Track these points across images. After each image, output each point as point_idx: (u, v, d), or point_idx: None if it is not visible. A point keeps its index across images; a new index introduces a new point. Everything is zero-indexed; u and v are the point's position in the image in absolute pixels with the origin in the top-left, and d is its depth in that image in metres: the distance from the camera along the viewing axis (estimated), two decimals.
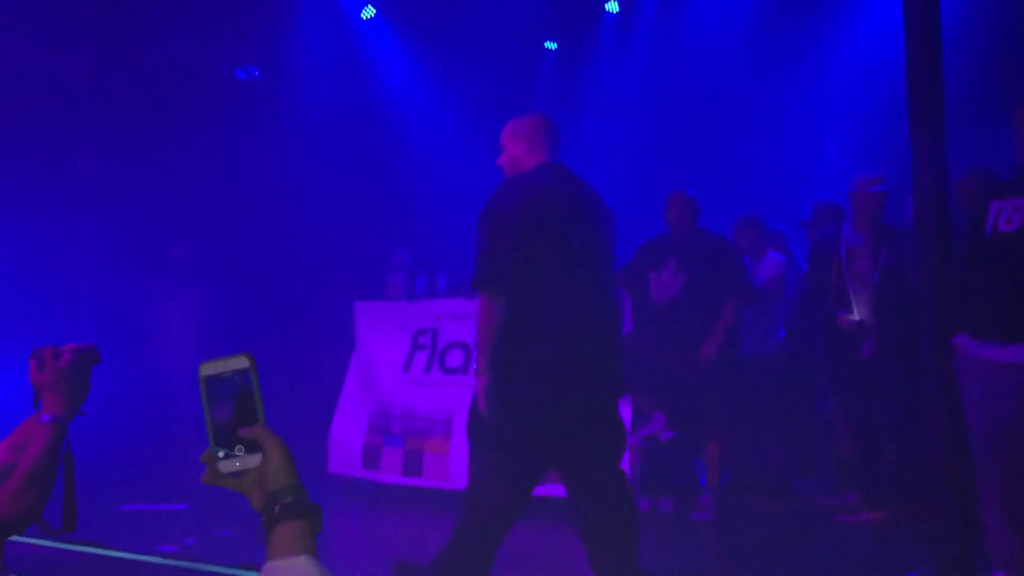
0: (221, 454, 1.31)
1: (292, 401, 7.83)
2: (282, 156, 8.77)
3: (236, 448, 1.32)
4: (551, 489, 5.72)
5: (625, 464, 5.51)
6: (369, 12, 9.50)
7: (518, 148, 3.64)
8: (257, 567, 1.29)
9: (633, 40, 9.70)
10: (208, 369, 1.31)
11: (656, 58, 9.43)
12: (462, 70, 9.32)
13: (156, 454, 7.10)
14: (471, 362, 6.20)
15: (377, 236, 8.49)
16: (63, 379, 2.40)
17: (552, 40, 10.05)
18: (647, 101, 9.17)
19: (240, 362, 1.32)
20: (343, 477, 6.49)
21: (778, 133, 8.45)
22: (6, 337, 6.32)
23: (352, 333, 6.79)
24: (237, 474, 1.33)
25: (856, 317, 5.28)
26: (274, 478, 1.32)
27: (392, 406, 6.38)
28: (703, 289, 5.52)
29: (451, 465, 5.97)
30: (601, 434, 3.45)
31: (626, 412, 5.68)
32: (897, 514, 5.31)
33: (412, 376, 6.40)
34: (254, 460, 1.32)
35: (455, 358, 6.28)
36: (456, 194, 8.73)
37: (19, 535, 2.32)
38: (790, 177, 8.16)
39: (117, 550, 4.73)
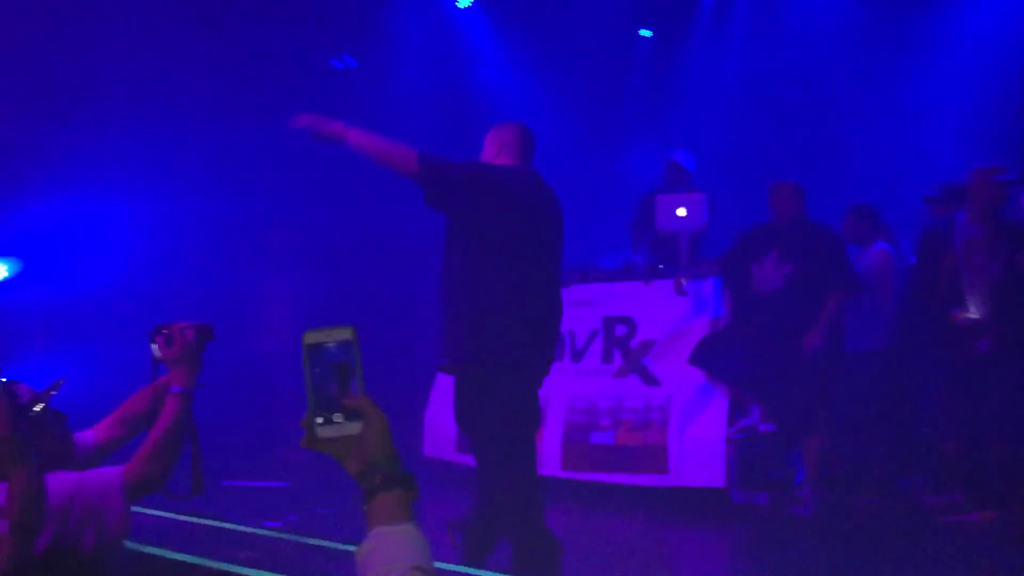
0: (320, 420, 1.34)
1: (387, 385, 7.99)
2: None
3: (335, 416, 1.35)
4: (614, 477, 5.72)
5: (720, 455, 5.47)
6: (465, 1, 9.56)
7: (490, 151, 4.04)
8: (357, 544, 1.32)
9: (731, 25, 9.53)
10: (312, 337, 1.35)
11: (755, 43, 9.25)
12: (557, 58, 9.29)
13: (257, 433, 7.30)
14: (565, 350, 6.21)
15: None
16: (190, 354, 2.67)
17: (647, 27, 9.94)
18: (746, 87, 8.99)
19: (343, 333, 1.36)
20: (438, 460, 6.57)
21: (886, 121, 8.19)
22: (120, 317, 6.56)
23: None
24: (333, 440, 1.36)
25: (974, 314, 5.10)
26: (375, 448, 1.36)
27: None
28: (807, 281, 5.41)
29: (545, 451, 5.98)
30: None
31: (723, 404, 5.62)
32: (1005, 515, 5.13)
33: None
34: (352, 428, 1.35)
35: None
36: (553, 183, 8.74)
37: (142, 502, 2.46)
38: (898, 167, 7.91)
39: (225, 521, 4.88)
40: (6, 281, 7.46)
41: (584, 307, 6.21)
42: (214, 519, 4.72)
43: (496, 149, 4.03)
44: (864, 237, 6.17)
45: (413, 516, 1.34)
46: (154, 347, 2.72)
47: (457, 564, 3.76)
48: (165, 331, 2.72)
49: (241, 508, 5.43)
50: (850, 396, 6.02)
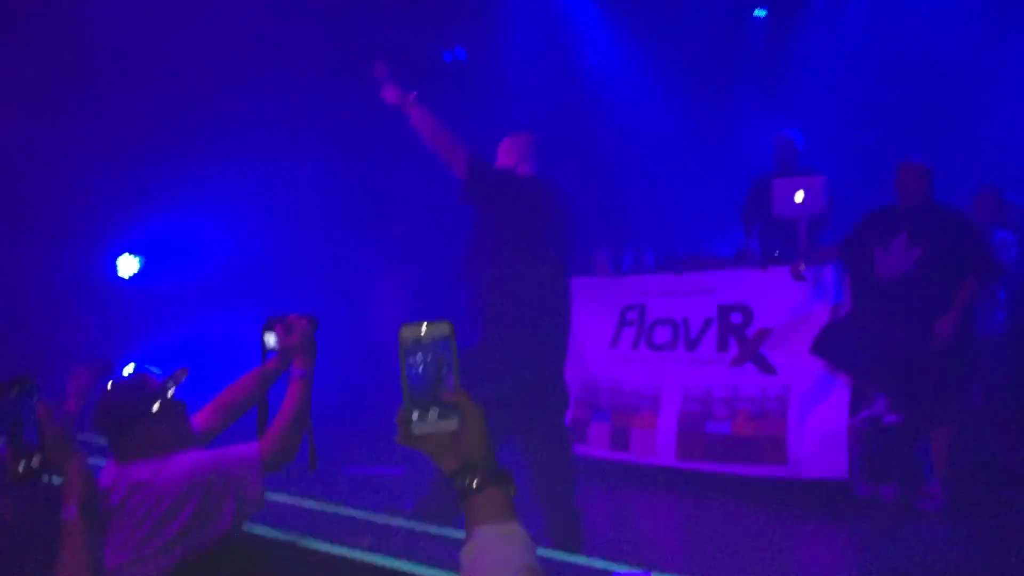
0: (415, 415, 1.33)
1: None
2: (489, 135, 8.93)
3: (430, 411, 1.33)
4: (730, 468, 5.60)
5: (842, 446, 5.29)
6: None
7: (509, 160, 4.44)
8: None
9: (849, 3, 9.19)
10: (409, 332, 1.33)
11: (875, 20, 8.89)
12: (668, 42, 9.14)
13: (375, 420, 7.45)
14: (679, 339, 6.13)
15: (583, 212, 8.50)
16: (308, 340, 2.84)
17: (761, 7, 9.67)
18: (866, 67, 8.65)
19: (441, 329, 1.33)
20: None
21: (1014, 101, 7.76)
22: (243, 307, 6.79)
23: None
24: (427, 436, 1.34)
25: None
26: (471, 445, 1.34)
27: (599, 381, 6.40)
28: (938, 266, 5.17)
29: (659, 441, 5.92)
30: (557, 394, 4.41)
31: (844, 393, 5.44)
32: None
33: (619, 352, 6.39)
34: (448, 424, 1.33)
35: (663, 334, 6.22)
36: (663, 168, 8.62)
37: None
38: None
39: (346, 506, 5.00)
40: (137, 275, 7.83)
41: (698, 295, 6.11)
42: (335, 504, 4.84)
43: (514, 158, 4.45)
44: (990, 220, 5.87)
45: (515, 514, 1.32)
46: (269, 336, 2.88)
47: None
48: (282, 321, 2.88)
49: (361, 494, 5.56)
50: (981, 384, 5.74)
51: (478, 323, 4.19)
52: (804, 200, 5.90)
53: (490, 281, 4.23)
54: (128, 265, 7.75)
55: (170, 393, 2.65)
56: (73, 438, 2.29)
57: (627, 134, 9.08)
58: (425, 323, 1.33)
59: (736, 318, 5.90)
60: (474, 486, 1.32)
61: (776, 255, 5.95)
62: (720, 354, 5.90)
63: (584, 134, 9.13)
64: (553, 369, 4.38)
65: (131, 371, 2.68)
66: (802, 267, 5.60)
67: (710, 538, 5.01)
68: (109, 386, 2.63)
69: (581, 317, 6.66)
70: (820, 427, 5.39)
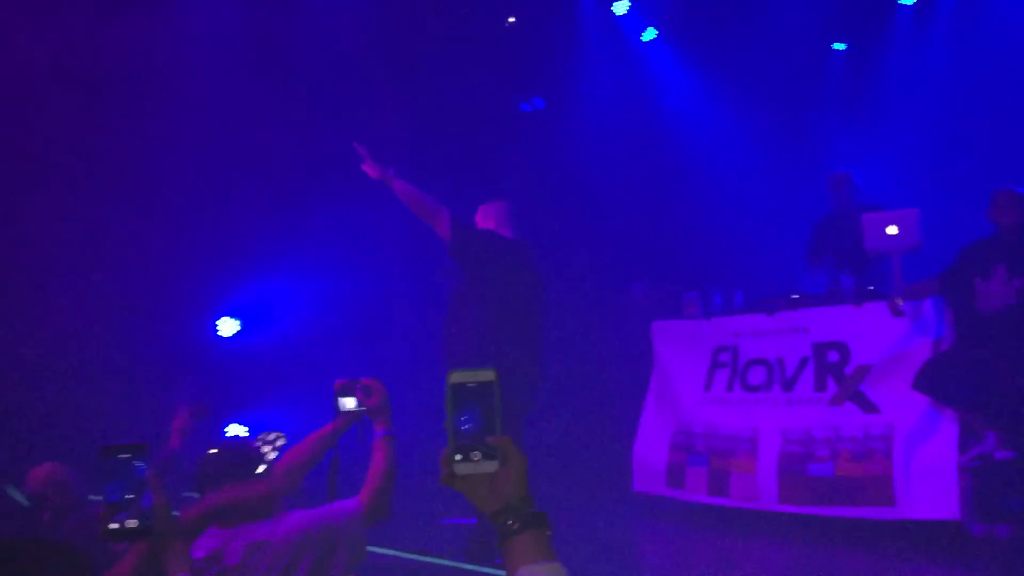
0: (459, 456, 1.38)
1: (592, 419, 8.02)
2: (570, 181, 9.02)
3: (473, 453, 1.39)
4: (836, 511, 5.44)
5: (953, 485, 5.11)
6: (650, 34, 9.59)
7: (488, 224, 4.90)
8: None
9: (932, 32, 9.04)
10: (456, 377, 1.39)
11: (959, 50, 8.73)
12: (746, 78, 9.12)
13: None
14: (774, 379, 6.03)
15: (669, 254, 8.50)
16: (386, 401, 3.03)
17: (840, 40, 9.59)
18: (951, 97, 8.49)
19: (487, 375, 1.40)
20: (647, 495, 6.51)
21: None
22: (334, 361, 6.93)
23: (649, 351, 6.84)
24: (469, 478, 1.40)
25: None
26: (512, 488, 1.40)
27: (694, 424, 6.33)
28: None
29: (760, 485, 5.81)
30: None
31: (952, 429, 5.27)
32: None
33: (713, 394, 6.33)
34: (489, 467, 1.39)
35: (757, 375, 6.13)
36: (748, 207, 8.55)
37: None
38: None
39: (444, 558, 5.03)
40: (236, 335, 8.08)
41: (791, 334, 6.02)
42: (436, 556, 4.89)
43: (492, 222, 4.86)
44: None
45: (554, 554, 1.38)
46: (345, 400, 3.02)
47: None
48: (361, 384, 3.06)
49: (457, 544, 5.58)
50: None
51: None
52: (898, 233, 5.78)
53: (473, 335, 4.58)
54: (228, 326, 8.00)
55: (271, 456, 2.77)
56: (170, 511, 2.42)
57: (709, 174, 9.06)
58: (472, 369, 1.40)
59: (833, 356, 5.78)
60: (516, 527, 1.38)
61: (871, 290, 5.83)
62: (818, 394, 5.78)
63: (665, 176, 9.15)
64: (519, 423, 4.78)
65: (234, 434, 2.80)
66: (900, 302, 5.48)
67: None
68: (215, 451, 2.74)
69: (671, 360, 6.66)
70: (929, 465, 5.22)
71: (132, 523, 1.90)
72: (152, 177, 7.12)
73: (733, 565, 5.52)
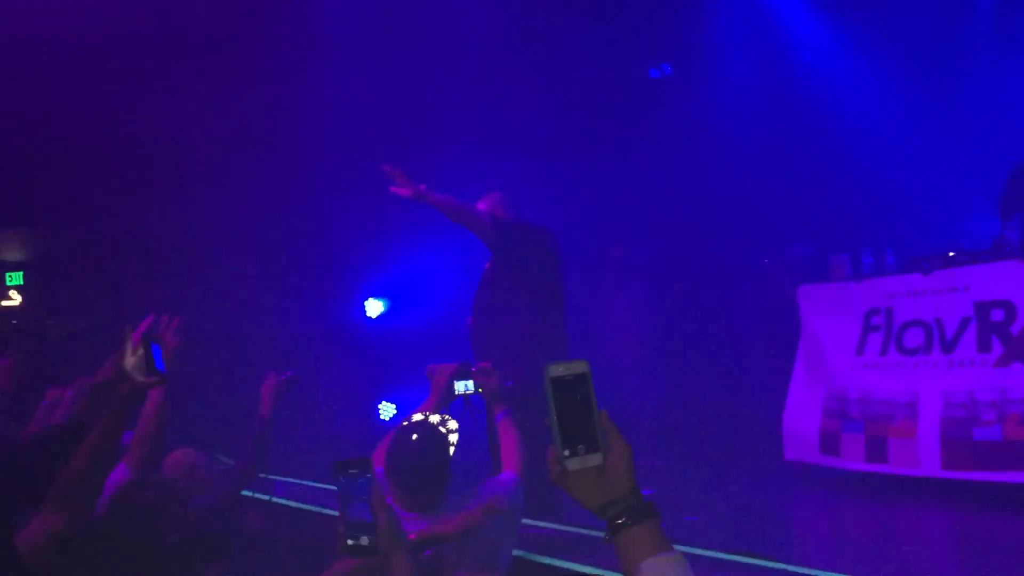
0: (567, 452, 1.35)
1: (736, 390, 7.90)
2: (706, 146, 8.84)
3: (578, 448, 1.35)
4: (1004, 476, 5.17)
5: None
6: None
7: (502, 214, 5.00)
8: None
9: None
10: (555, 371, 1.36)
11: None
12: (887, 25, 8.69)
13: None
14: (933, 341, 5.78)
15: (814, 217, 8.24)
16: (500, 385, 3.26)
17: None
18: None
19: (581, 367, 1.37)
20: (800, 464, 6.37)
21: None
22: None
23: (794, 317, 6.67)
24: (580, 472, 1.35)
25: None
26: (619, 479, 1.35)
27: (847, 390, 6.15)
28: None
29: (921, 450, 5.60)
30: None
31: None
32: None
33: (867, 359, 6.12)
34: (595, 459, 1.35)
35: (914, 338, 5.89)
36: (894, 164, 8.19)
37: None
38: None
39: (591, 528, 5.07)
40: (383, 315, 8.34)
41: (950, 294, 5.74)
42: (581, 527, 4.93)
43: (501, 211, 4.98)
44: None
45: (670, 544, 1.33)
46: (460, 384, 3.12)
47: None
48: (480, 367, 3.27)
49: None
50: None
51: (506, 362, 4.32)
52: None
53: (522, 323, 4.76)
54: (375, 307, 8.26)
55: (455, 439, 2.88)
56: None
57: (851, 130, 8.70)
58: (567, 362, 1.37)
59: (997, 315, 5.49)
60: (628, 521, 1.33)
61: None
62: (982, 355, 5.51)
63: (805, 136, 8.84)
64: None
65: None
66: None
67: (986, 553, 4.67)
68: (413, 437, 2.80)
69: (820, 326, 6.48)
70: None
71: (364, 540, 2.01)
72: (302, 164, 7.39)
73: (894, 534, 5.36)
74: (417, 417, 2.90)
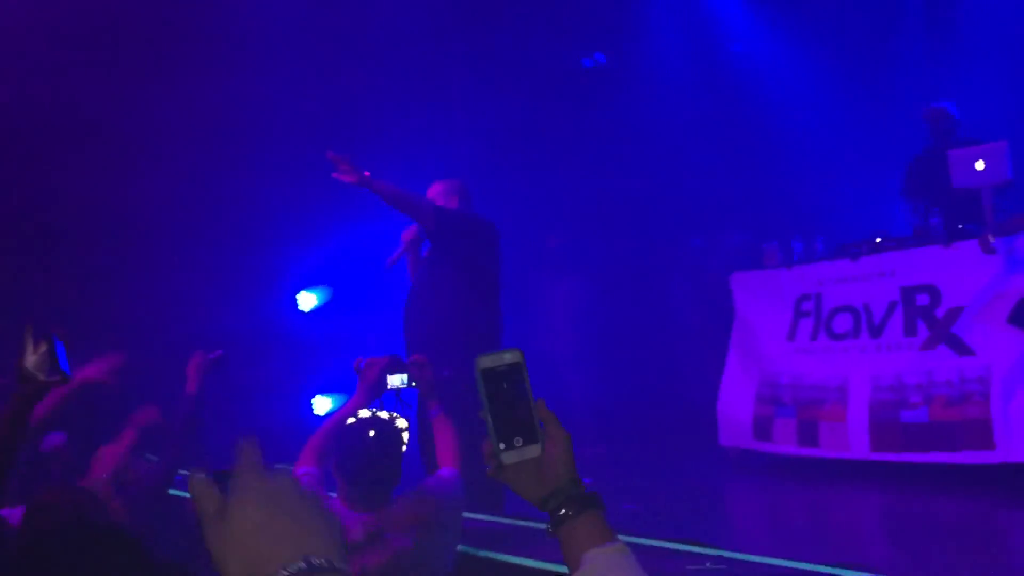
0: (502, 445, 1.30)
1: (671, 377, 7.97)
2: (638, 135, 8.89)
3: (515, 440, 1.30)
4: (931, 456, 5.30)
5: None
6: None
7: (451, 202, 5.01)
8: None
9: None
10: (485, 362, 1.31)
11: None
12: (815, 21, 8.84)
13: None
14: (862, 326, 5.90)
15: (746, 204, 8.35)
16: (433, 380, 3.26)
17: None
18: None
19: (513, 356, 1.32)
20: (735, 449, 6.46)
21: None
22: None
23: (728, 304, 6.75)
24: (517, 465, 1.31)
25: None
26: (560, 469, 1.31)
27: (779, 376, 6.24)
28: None
29: (850, 434, 5.71)
30: None
31: None
32: None
33: (798, 344, 6.22)
34: (533, 451, 1.31)
35: (843, 323, 6.00)
36: (823, 152, 8.34)
37: None
38: None
39: (531, 520, 5.06)
40: (316, 309, 8.20)
41: (878, 279, 5.86)
42: (522, 519, 4.91)
43: (455, 200, 5.01)
44: None
45: (614, 533, 1.29)
46: (393, 378, 3.05)
47: None
48: (415, 361, 3.22)
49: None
50: None
51: (443, 353, 4.39)
52: (986, 168, 5.57)
53: (460, 314, 4.76)
54: (308, 300, 8.12)
55: (406, 437, 2.82)
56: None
57: (782, 119, 8.83)
58: (498, 352, 1.32)
59: (923, 299, 5.62)
60: (570, 512, 1.29)
61: (961, 228, 5.63)
62: (908, 339, 5.64)
63: (738, 125, 8.95)
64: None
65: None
66: (991, 239, 5.30)
67: (916, 532, 4.79)
68: (370, 434, 2.71)
69: (752, 312, 6.57)
70: None
71: None
72: (231, 152, 7.21)
73: (827, 516, 5.46)
74: (365, 413, 2.81)
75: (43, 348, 2.20)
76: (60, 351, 2.22)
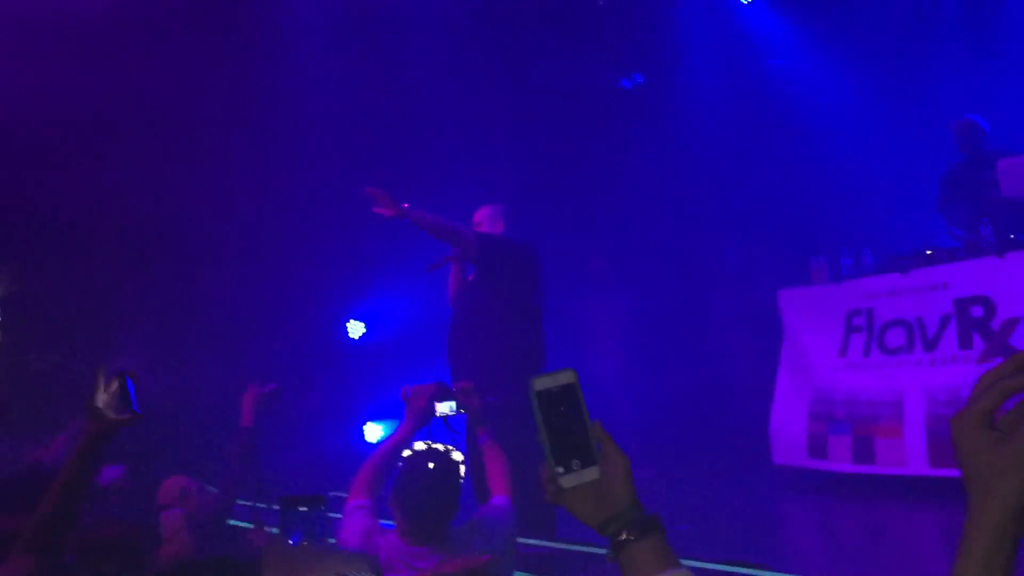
0: (560, 470, 1.27)
1: (720, 395, 7.90)
2: (679, 153, 8.87)
3: (572, 463, 1.27)
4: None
5: None
6: None
7: (495, 227, 5.05)
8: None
9: None
10: (540, 384, 1.27)
11: None
12: (854, 30, 8.76)
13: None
14: (915, 340, 5.81)
15: (790, 221, 8.27)
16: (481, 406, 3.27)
17: None
18: None
19: (568, 376, 1.28)
20: (788, 467, 6.37)
21: None
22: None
23: (775, 320, 6.69)
24: (576, 489, 1.27)
25: None
26: (618, 492, 1.28)
27: (832, 392, 6.16)
28: None
29: (908, 449, 5.61)
30: None
31: None
32: None
33: (850, 360, 6.14)
34: (591, 474, 1.27)
35: (896, 337, 5.91)
36: (869, 165, 8.25)
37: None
38: None
39: (589, 544, 5.03)
40: (365, 335, 8.29)
41: (929, 292, 5.77)
42: (576, 543, 4.89)
43: (502, 223, 5.04)
44: None
45: (677, 559, 1.25)
46: (442, 405, 3.11)
47: None
48: (462, 388, 3.20)
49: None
50: None
51: (488, 378, 4.43)
52: None
53: (504, 338, 4.78)
54: (357, 328, 8.21)
55: (463, 470, 2.83)
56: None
57: (825, 132, 8.75)
58: (552, 373, 1.28)
59: (977, 311, 5.52)
60: (632, 537, 1.25)
61: (1013, 238, 5.53)
62: (964, 351, 5.53)
63: (779, 139, 8.89)
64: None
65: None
66: None
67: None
68: (429, 466, 2.72)
69: (802, 328, 6.49)
70: None
71: None
72: (282, 188, 7.35)
73: (885, 535, 5.36)
74: (421, 446, 2.81)
75: (114, 386, 2.23)
76: (131, 389, 2.26)
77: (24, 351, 7.38)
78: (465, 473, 2.91)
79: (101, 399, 2.20)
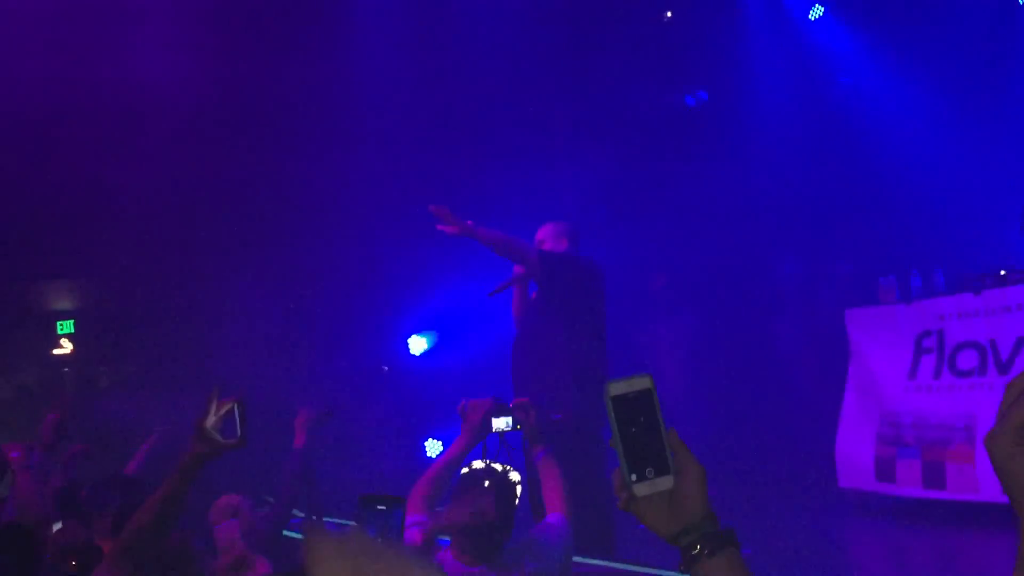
0: (634, 476, 1.23)
1: (785, 416, 7.77)
2: (745, 171, 8.79)
3: (646, 471, 1.23)
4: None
5: None
6: (817, 12, 9.21)
7: (559, 244, 5.07)
8: None
9: None
10: (616, 389, 1.23)
11: None
12: (921, 46, 8.60)
13: None
14: (988, 363, 5.65)
15: (860, 238, 8.13)
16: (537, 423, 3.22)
17: None
18: None
19: (643, 382, 1.24)
20: (855, 491, 6.24)
21: None
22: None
23: (842, 340, 6.56)
24: (649, 498, 1.23)
25: None
26: (693, 503, 1.23)
27: (901, 415, 6.02)
28: None
29: (980, 475, 5.45)
30: None
31: None
32: None
33: (920, 382, 6.00)
34: (665, 483, 1.23)
35: (968, 359, 5.77)
36: (939, 183, 8.07)
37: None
38: None
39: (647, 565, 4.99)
40: (426, 352, 8.34)
41: (1003, 314, 5.62)
42: (636, 564, 4.85)
43: (566, 241, 5.06)
44: None
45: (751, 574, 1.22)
46: (498, 421, 3.10)
47: None
48: (519, 404, 3.19)
49: (656, 547, 5.50)
50: None
51: (551, 395, 4.53)
52: None
53: (567, 356, 4.79)
54: (419, 344, 8.27)
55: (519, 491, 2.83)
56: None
57: (894, 149, 8.59)
58: (628, 378, 1.24)
59: None
60: (706, 550, 1.21)
61: None
62: None
63: (847, 157, 8.76)
64: None
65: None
66: None
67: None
68: (486, 484, 2.72)
69: (870, 349, 6.36)
70: None
71: None
72: (346, 208, 7.48)
73: (956, 561, 5.22)
74: (479, 464, 2.81)
75: (225, 410, 2.28)
76: (239, 416, 2.29)
77: (96, 364, 7.62)
78: (521, 492, 2.90)
79: (211, 421, 2.23)
